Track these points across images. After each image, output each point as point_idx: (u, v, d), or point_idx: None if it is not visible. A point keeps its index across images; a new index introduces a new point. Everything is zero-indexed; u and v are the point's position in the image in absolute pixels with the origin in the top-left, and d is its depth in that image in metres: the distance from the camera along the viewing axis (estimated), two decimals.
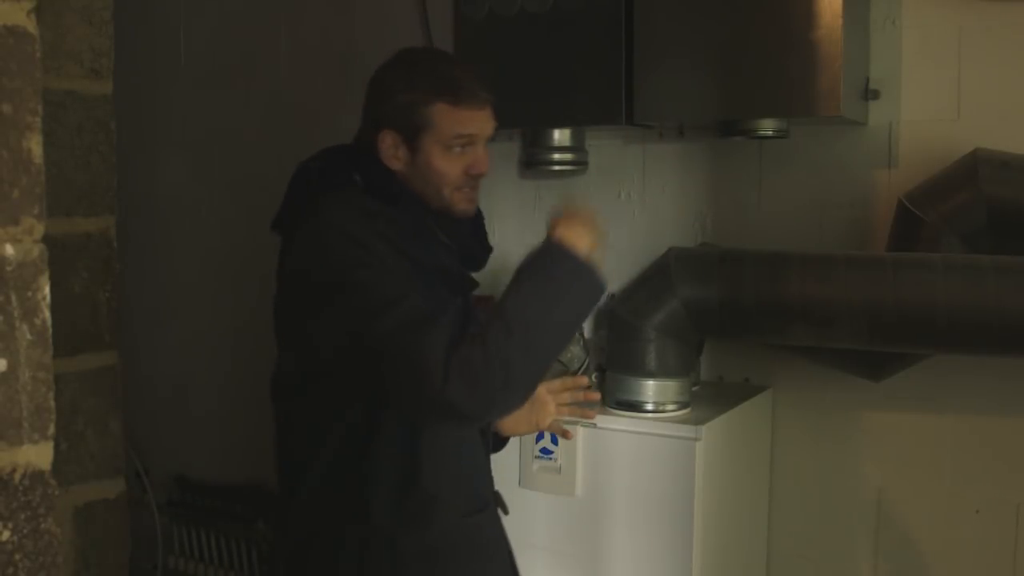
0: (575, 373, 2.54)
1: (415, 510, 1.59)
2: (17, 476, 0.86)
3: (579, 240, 1.50)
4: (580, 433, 2.29)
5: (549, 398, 1.86)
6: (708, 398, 2.45)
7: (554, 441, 2.31)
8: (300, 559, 1.64)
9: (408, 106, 1.57)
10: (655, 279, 2.36)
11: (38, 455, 0.88)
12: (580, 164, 2.71)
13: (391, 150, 1.59)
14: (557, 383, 1.88)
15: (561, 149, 2.68)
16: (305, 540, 1.63)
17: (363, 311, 1.44)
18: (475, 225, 1.72)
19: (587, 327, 2.61)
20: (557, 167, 2.69)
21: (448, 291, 1.57)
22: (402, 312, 1.42)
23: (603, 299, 1.64)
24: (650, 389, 2.32)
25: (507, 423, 1.85)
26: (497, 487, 1.79)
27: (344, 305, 1.46)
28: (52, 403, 0.89)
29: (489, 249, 1.75)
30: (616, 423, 2.29)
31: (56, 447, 0.89)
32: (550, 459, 2.31)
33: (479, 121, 1.59)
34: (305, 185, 1.62)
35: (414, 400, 1.44)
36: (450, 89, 1.56)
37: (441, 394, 1.38)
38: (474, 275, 1.72)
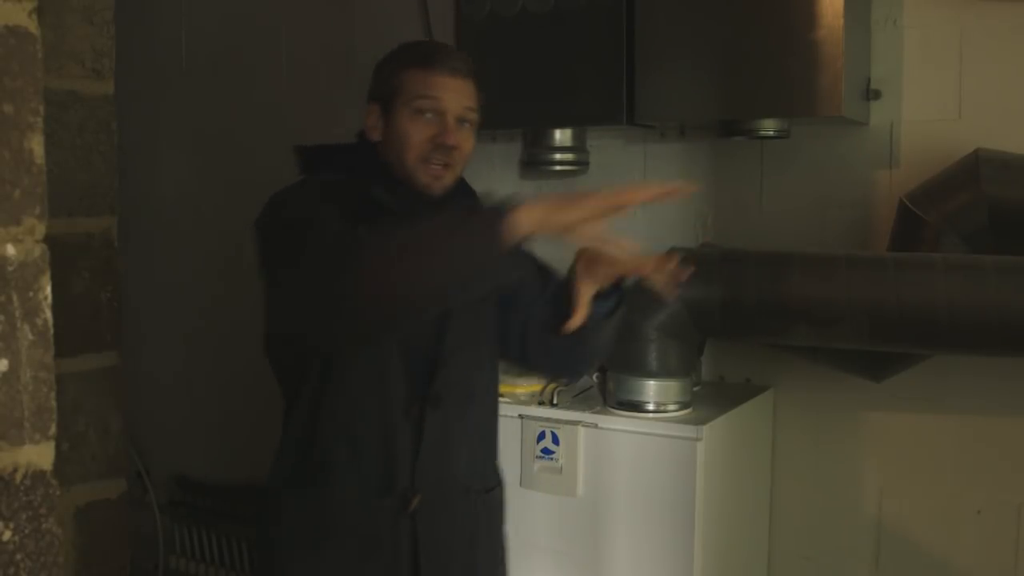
0: None
1: (305, 476, 1.61)
2: (19, 476, 0.86)
3: (527, 214, 1.34)
4: (581, 433, 2.29)
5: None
6: (709, 398, 2.45)
7: (555, 441, 2.31)
8: None
9: (386, 76, 1.62)
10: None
11: (39, 455, 0.88)
12: (581, 164, 2.71)
13: (372, 121, 1.63)
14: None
15: (562, 149, 2.67)
16: None
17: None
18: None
19: None
20: (558, 167, 2.69)
21: None
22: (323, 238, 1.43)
23: (511, 277, 1.48)
24: (651, 389, 2.32)
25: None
26: None
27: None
28: (53, 403, 0.89)
29: None
30: (617, 423, 2.29)
31: (57, 447, 0.89)
32: (551, 459, 2.31)
33: (449, 89, 1.58)
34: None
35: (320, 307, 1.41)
36: (422, 56, 1.60)
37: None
38: None
